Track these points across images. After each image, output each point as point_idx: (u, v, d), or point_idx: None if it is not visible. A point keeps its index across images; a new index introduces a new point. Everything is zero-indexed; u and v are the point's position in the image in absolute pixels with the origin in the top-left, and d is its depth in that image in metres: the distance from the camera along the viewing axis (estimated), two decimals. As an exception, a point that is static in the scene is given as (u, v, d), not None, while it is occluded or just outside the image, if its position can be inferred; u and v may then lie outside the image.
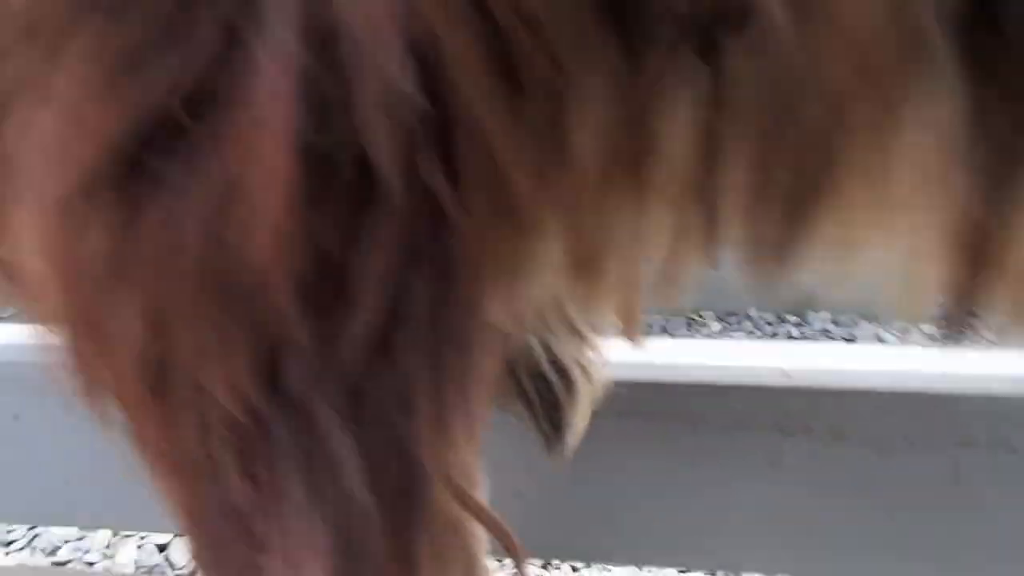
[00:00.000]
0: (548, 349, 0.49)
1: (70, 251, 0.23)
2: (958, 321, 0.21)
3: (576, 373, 0.50)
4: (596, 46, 0.23)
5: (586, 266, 0.30)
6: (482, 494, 0.54)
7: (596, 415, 0.53)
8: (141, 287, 0.24)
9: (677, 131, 0.24)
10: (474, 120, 0.22)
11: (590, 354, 0.50)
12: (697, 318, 1.70)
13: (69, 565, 1.09)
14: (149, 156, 0.22)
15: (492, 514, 0.34)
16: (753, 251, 0.25)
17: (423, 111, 0.20)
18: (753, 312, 1.72)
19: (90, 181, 0.22)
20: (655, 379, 0.56)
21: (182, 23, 0.21)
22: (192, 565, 0.32)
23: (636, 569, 0.90)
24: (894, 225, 0.22)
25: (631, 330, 0.39)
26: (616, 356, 0.55)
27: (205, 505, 0.30)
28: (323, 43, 0.18)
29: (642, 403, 0.58)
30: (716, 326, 1.68)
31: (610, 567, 0.99)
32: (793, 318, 1.70)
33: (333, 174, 0.22)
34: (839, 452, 0.57)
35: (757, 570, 0.63)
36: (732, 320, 1.70)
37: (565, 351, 0.49)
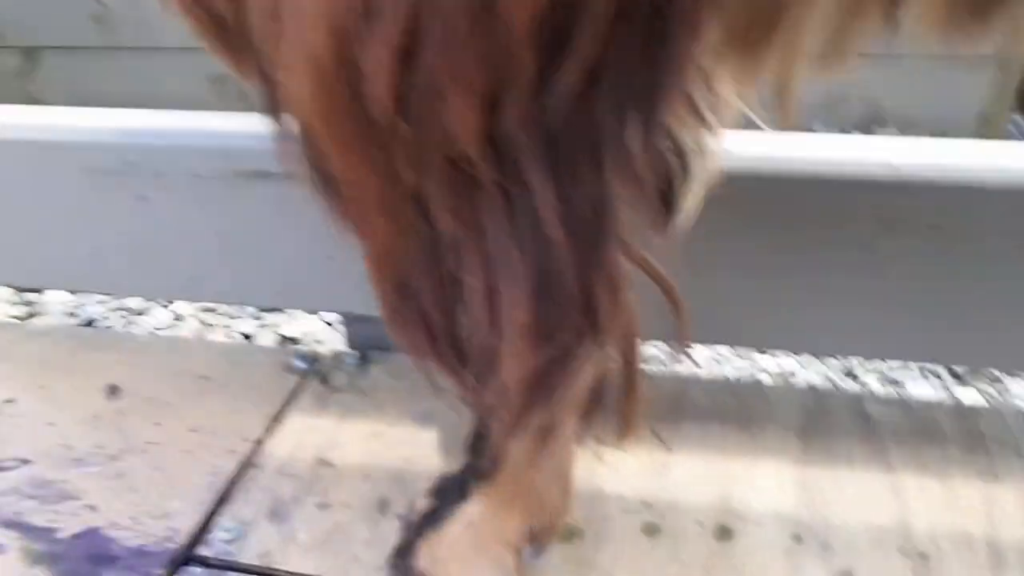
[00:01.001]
0: (670, 134, 0.51)
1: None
2: None
3: (692, 155, 0.52)
4: None
5: (755, 30, 0.32)
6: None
7: (708, 201, 0.55)
8: (394, 14, 0.26)
9: None
10: None
11: (708, 139, 0.52)
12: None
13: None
14: None
15: (658, 267, 0.37)
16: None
17: None
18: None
19: None
20: (768, 171, 0.58)
21: None
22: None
23: (730, 349, 0.96)
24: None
25: (786, 107, 0.41)
26: (731, 146, 0.57)
27: (407, 243, 0.33)
28: None
29: (752, 194, 0.60)
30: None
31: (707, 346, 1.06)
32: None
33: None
34: (937, 245, 0.59)
35: (852, 353, 0.67)
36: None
37: (685, 132, 0.51)
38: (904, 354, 0.66)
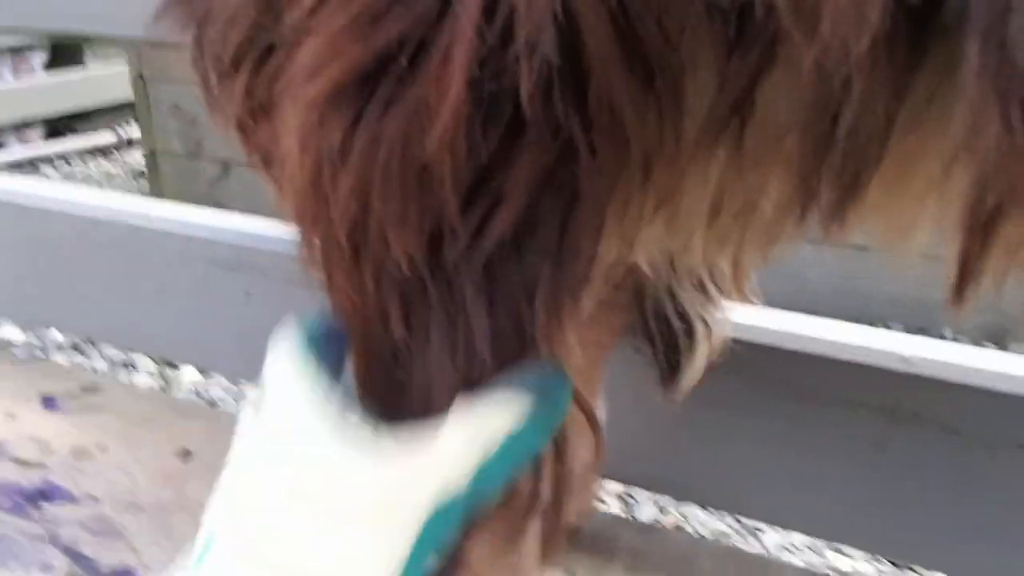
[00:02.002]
0: (675, 298, 0.56)
1: (315, 137, 0.33)
2: (962, 292, 0.26)
3: (698, 324, 0.57)
4: (705, 30, 0.30)
5: (680, 217, 0.37)
6: (600, 409, 0.62)
7: (713, 367, 0.59)
8: (355, 168, 0.34)
9: (773, 103, 0.31)
10: (603, 78, 0.30)
11: (713, 310, 0.57)
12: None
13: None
14: (373, 79, 0.32)
15: (585, 400, 0.41)
16: (817, 214, 0.31)
17: (561, 65, 0.28)
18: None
19: (334, 91, 0.32)
20: (773, 344, 0.62)
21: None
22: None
23: (682, 518, 0.96)
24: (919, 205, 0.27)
25: (737, 281, 0.45)
26: (741, 317, 0.61)
27: (373, 338, 0.40)
28: (493, 11, 0.26)
29: (758, 365, 0.63)
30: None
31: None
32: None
33: (494, 105, 0.31)
34: (947, 446, 0.59)
35: (845, 541, 0.67)
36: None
37: (690, 303, 0.56)
38: (901, 555, 0.64)
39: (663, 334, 0.57)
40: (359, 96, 0.32)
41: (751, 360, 0.63)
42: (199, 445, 0.84)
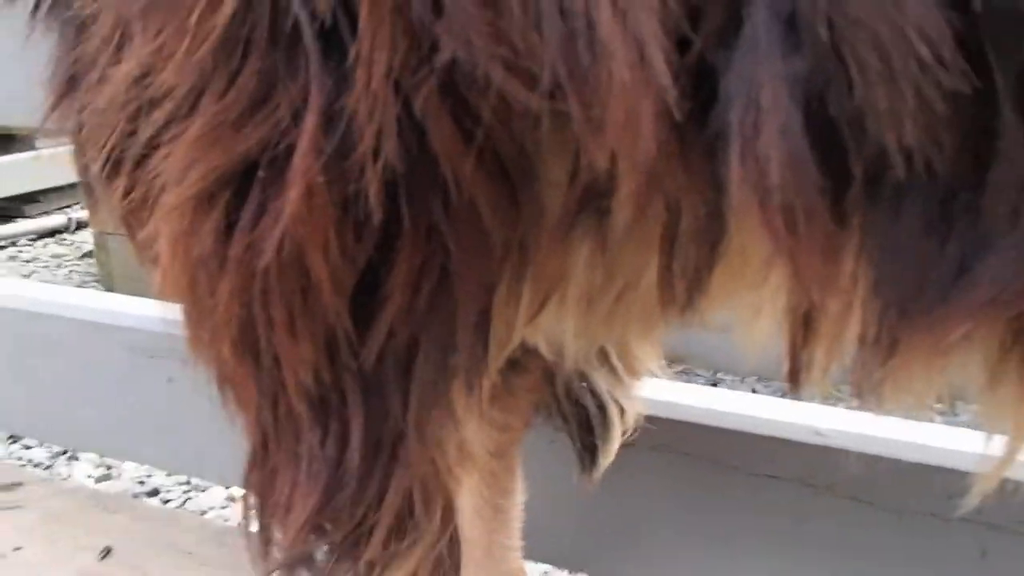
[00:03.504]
0: (586, 379, 0.56)
1: (185, 243, 0.33)
2: (794, 379, 0.26)
3: (610, 404, 0.57)
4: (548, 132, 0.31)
5: (567, 303, 0.38)
6: (517, 495, 0.61)
7: (630, 445, 0.59)
8: (233, 276, 0.34)
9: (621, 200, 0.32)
10: (455, 176, 0.30)
11: (625, 389, 0.57)
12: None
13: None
14: (240, 184, 0.32)
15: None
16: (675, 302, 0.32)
17: (409, 166, 0.29)
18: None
19: (203, 196, 0.32)
20: (689, 419, 0.62)
21: (270, 100, 0.31)
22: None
23: None
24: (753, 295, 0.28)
25: (628, 364, 0.46)
26: (655, 393, 0.61)
27: (258, 439, 0.39)
28: (333, 120, 0.27)
29: (674, 441, 0.63)
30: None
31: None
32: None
33: (360, 209, 0.31)
34: (863, 515, 0.59)
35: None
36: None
37: (601, 383, 0.56)
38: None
39: (576, 415, 0.57)
40: (228, 202, 0.33)
41: (668, 436, 0.63)
42: (119, 542, 0.81)
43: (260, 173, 0.30)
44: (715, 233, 0.26)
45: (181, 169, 0.32)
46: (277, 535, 0.40)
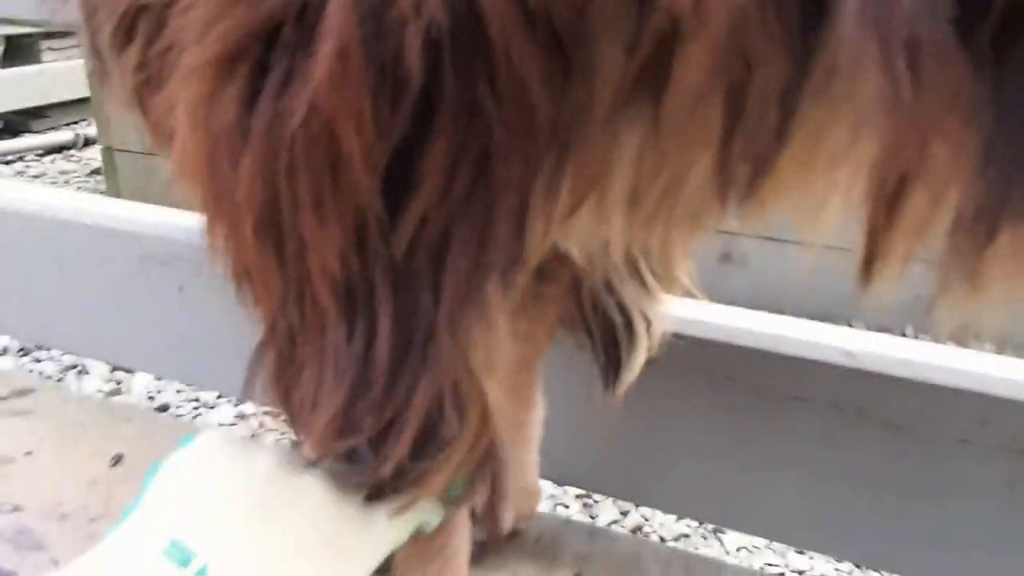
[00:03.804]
0: (613, 291, 0.54)
1: (206, 112, 0.31)
2: (869, 272, 0.24)
3: (637, 318, 0.55)
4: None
5: (606, 201, 0.35)
6: (537, 410, 0.60)
7: (655, 363, 0.57)
8: (258, 149, 0.31)
9: (684, 70, 0.29)
10: (504, 43, 0.28)
11: (653, 303, 0.55)
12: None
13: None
14: (265, 47, 0.29)
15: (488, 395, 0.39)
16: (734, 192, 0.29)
17: (455, 29, 0.26)
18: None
19: (227, 57, 0.29)
20: (715, 338, 0.60)
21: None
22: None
23: (642, 520, 0.95)
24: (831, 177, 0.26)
25: (671, 273, 0.43)
26: (682, 311, 0.59)
27: (283, 333, 0.38)
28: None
29: (701, 361, 0.61)
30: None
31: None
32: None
33: (398, 78, 0.29)
34: (891, 440, 0.58)
35: (789, 542, 0.65)
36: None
37: (629, 295, 0.54)
38: (849, 555, 0.63)
39: (602, 328, 0.55)
40: (252, 67, 0.30)
41: (695, 356, 0.61)
42: (131, 450, 0.81)
43: (287, 30, 0.27)
44: (789, 108, 0.24)
45: (202, 26, 0.29)
46: (302, 437, 0.38)
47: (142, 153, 2.14)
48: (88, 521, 0.71)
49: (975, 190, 0.19)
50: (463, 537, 0.49)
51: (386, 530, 0.39)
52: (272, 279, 0.35)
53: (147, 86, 0.36)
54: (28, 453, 0.80)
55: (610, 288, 0.54)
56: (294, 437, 0.39)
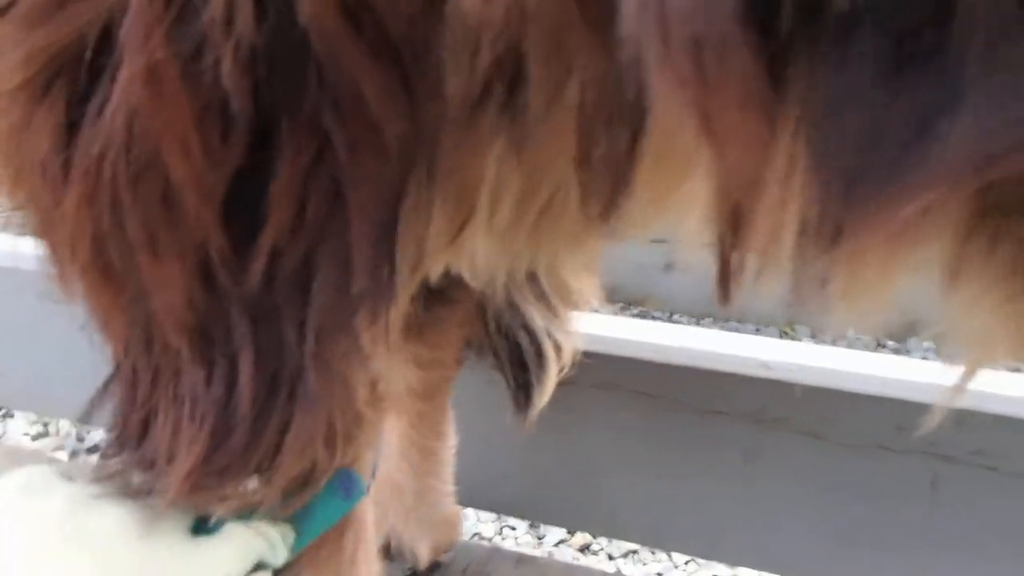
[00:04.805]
0: (518, 312, 0.52)
1: (22, 140, 0.28)
2: (724, 287, 0.23)
3: (544, 338, 0.53)
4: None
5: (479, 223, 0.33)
6: (449, 437, 0.58)
7: (569, 384, 0.55)
8: (81, 183, 0.29)
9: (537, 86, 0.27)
10: (334, 56, 0.25)
11: (560, 323, 0.53)
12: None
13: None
14: (82, 68, 0.27)
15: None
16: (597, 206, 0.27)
17: (274, 44, 0.24)
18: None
19: (36, 83, 0.27)
20: (631, 355, 0.58)
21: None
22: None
23: (590, 537, 0.94)
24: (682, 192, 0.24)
25: (562, 296, 0.42)
26: (595, 328, 0.58)
27: (131, 376, 0.35)
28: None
29: (617, 378, 0.60)
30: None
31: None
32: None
33: (220, 102, 0.26)
34: (812, 449, 0.57)
35: (714, 558, 0.64)
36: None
37: (534, 316, 0.52)
38: (774, 566, 0.62)
39: (509, 351, 0.53)
40: (66, 91, 0.27)
41: (609, 373, 0.60)
42: None
43: (94, 49, 0.24)
44: (634, 114, 0.22)
45: (6, 51, 0.27)
46: (159, 488, 0.35)
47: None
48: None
49: (810, 194, 0.18)
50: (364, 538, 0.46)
51: (215, 562, 0.36)
52: (115, 320, 0.32)
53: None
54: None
55: (514, 309, 0.52)
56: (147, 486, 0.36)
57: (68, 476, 0.38)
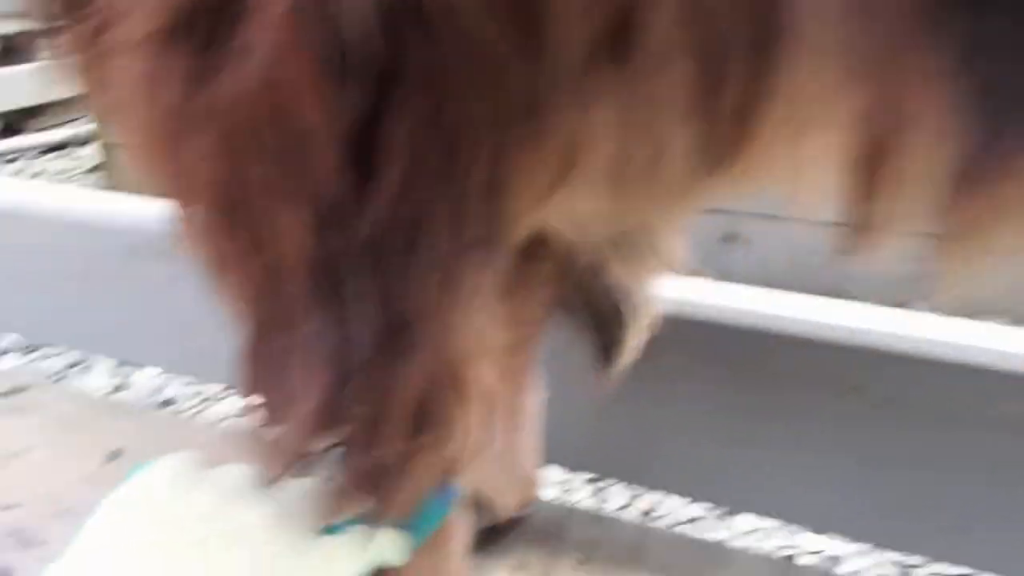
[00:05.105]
0: (604, 271, 0.53)
1: (154, 89, 0.29)
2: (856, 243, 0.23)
3: (628, 299, 0.53)
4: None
5: (587, 177, 0.34)
6: (534, 396, 0.59)
7: (649, 346, 0.56)
8: (211, 130, 0.30)
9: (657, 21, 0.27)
10: (468, 11, 0.26)
11: (644, 284, 0.53)
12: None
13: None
14: (216, 15, 0.28)
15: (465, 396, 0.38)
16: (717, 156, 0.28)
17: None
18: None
19: (169, 30, 0.28)
20: (713, 319, 0.59)
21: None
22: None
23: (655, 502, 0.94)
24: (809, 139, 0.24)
25: (661, 251, 0.42)
26: (680, 292, 0.58)
27: (257, 323, 0.36)
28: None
29: (702, 342, 0.60)
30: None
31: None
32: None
33: (352, 49, 0.27)
34: (892, 417, 0.57)
35: (793, 521, 0.64)
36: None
37: (620, 276, 0.52)
38: (862, 536, 0.61)
39: (593, 310, 0.53)
40: (199, 38, 0.29)
41: (695, 337, 0.60)
42: (130, 445, 0.80)
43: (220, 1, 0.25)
44: (765, 60, 0.22)
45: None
46: (284, 432, 0.37)
47: (141, 148, 2.13)
48: (86, 517, 0.70)
49: (957, 140, 0.18)
50: (461, 527, 0.48)
51: (342, 564, 0.38)
52: (240, 268, 0.34)
53: (95, 61, 0.34)
54: (25, 450, 0.79)
55: (601, 269, 0.52)
56: (272, 434, 0.38)
57: (203, 463, 0.41)
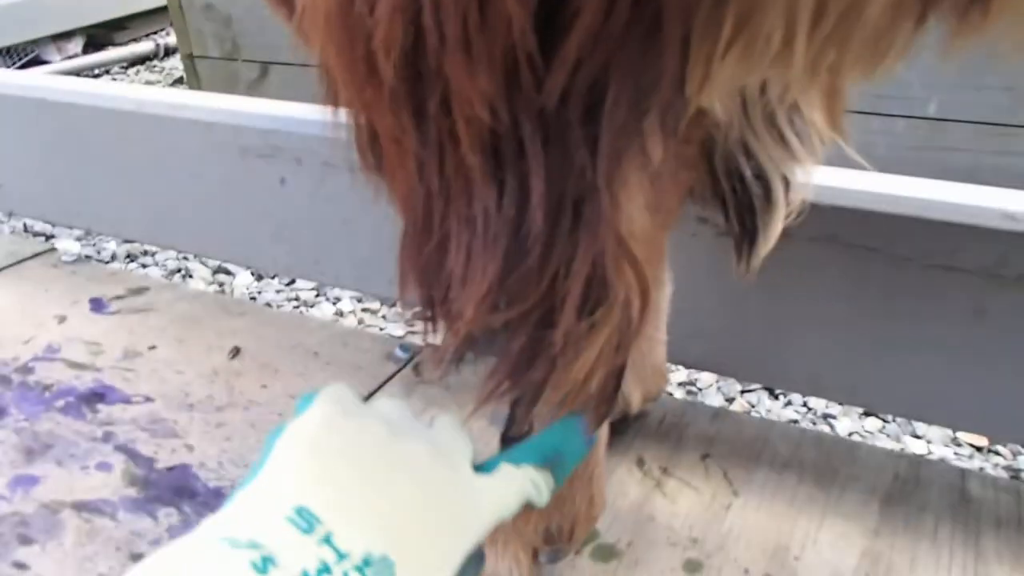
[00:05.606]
0: (751, 153, 0.50)
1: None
2: None
3: (776, 181, 0.51)
4: None
5: (766, 37, 0.31)
6: (665, 285, 0.57)
7: (787, 236, 0.53)
8: None
9: None
10: None
11: (794, 166, 0.50)
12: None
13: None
14: None
15: (640, 268, 0.36)
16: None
17: None
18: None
19: None
20: (856, 205, 0.55)
21: None
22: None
23: (775, 403, 0.93)
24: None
25: (833, 112, 0.39)
26: (821, 178, 0.55)
27: (422, 202, 0.35)
28: None
29: (837, 230, 0.57)
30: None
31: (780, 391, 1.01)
32: None
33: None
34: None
35: (931, 420, 0.62)
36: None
37: (768, 157, 0.50)
38: (993, 431, 0.59)
39: (736, 194, 0.51)
40: None
41: (833, 225, 0.57)
42: (247, 342, 0.82)
43: None
44: None
45: None
46: (450, 315, 0.36)
47: (222, 59, 2.14)
48: (215, 410, 0.73)
49: None
50: (601, 455, 0.48)
51: (497, 499, 0.39)
52: (409, 140, 0.32)
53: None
54: (152, 347, 0.82)
55: (747, 150, 0.49)
56: (432, 332, 0.37)
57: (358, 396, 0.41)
